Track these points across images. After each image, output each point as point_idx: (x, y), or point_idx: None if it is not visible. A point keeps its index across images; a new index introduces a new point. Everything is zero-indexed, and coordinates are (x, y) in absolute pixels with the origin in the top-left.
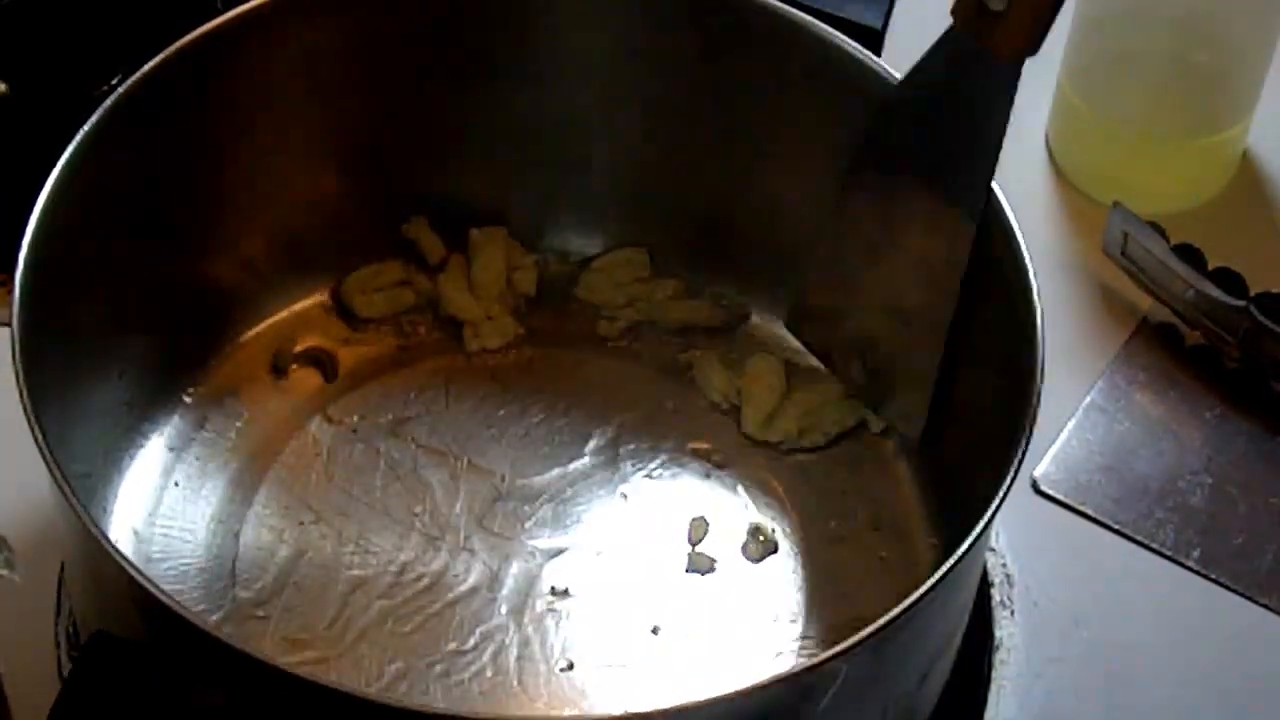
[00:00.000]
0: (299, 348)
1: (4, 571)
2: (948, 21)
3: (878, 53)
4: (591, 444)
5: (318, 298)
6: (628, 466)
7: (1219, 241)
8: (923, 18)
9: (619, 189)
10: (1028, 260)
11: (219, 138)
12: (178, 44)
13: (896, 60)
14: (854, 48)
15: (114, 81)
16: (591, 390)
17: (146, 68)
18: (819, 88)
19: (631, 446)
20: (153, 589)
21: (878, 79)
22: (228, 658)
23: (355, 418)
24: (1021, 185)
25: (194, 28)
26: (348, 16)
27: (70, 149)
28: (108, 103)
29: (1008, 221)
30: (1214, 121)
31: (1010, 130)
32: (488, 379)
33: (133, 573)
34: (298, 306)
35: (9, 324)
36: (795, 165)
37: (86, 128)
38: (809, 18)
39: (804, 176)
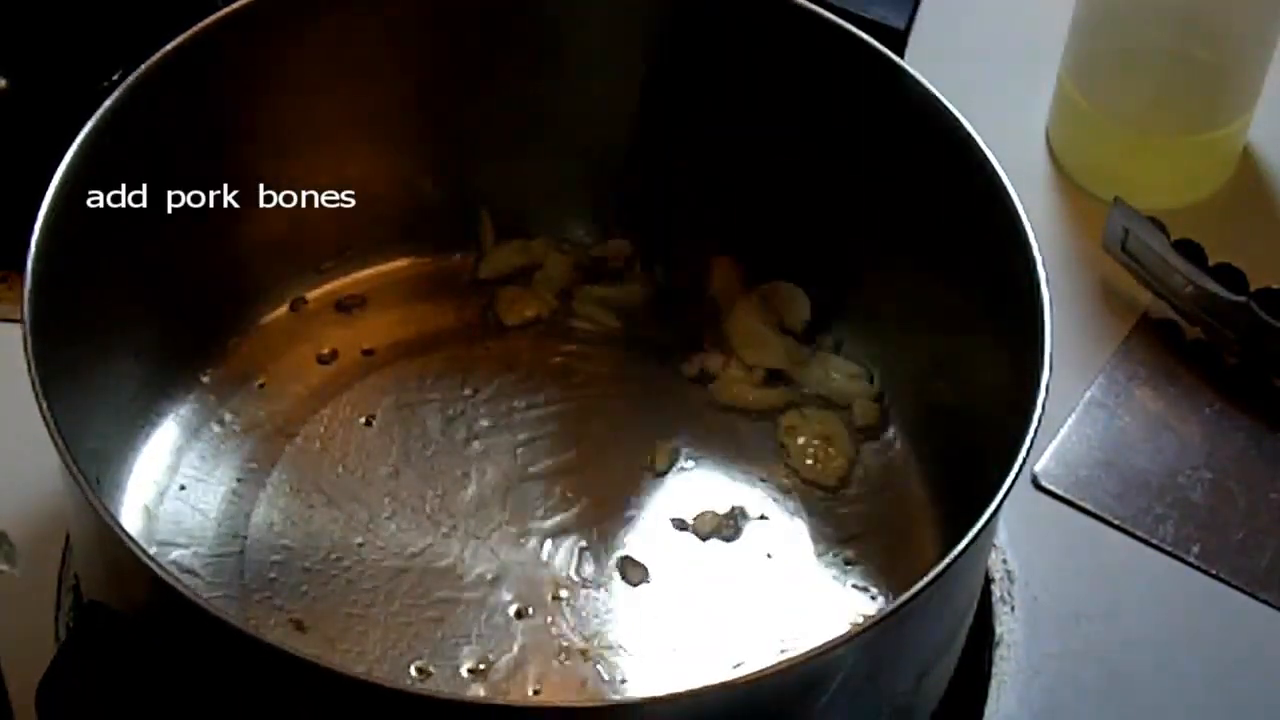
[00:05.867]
0: (315, 332)
1: (4, 567)
2: (971, 24)
3: (901, 54)
4: (604, 434)
5: (335, 282)
6: (640, 457)
7: (1219, 237)
8: (947, 20)
9: (632, 183)
10: (1037, 255)
11: (233, 123)
12: (195, 28)
13: (920, 62)
14: (878, 49)
15: (115, 77)
16: (605, 381)
17: (160, 53)
18: (841, 88)
19: (644, 437)
20: (150, 561)
21: (901, 81)
22: (226, 636)
23: (369, 403)
24: (1022, 181)
25: (195, 21)
26: (349, 9)
27: (87, 128)
28: (122, 87)
29: (1017, 215)
30: (1214, 117)
31: (1011, 126)
32: (503, 368)
33: (133, 547)
34: (314, 291)
35: (16, 320)
36: (817, 166)
37: (102, 109)
38: (833, 17)
39: (825, 178)
